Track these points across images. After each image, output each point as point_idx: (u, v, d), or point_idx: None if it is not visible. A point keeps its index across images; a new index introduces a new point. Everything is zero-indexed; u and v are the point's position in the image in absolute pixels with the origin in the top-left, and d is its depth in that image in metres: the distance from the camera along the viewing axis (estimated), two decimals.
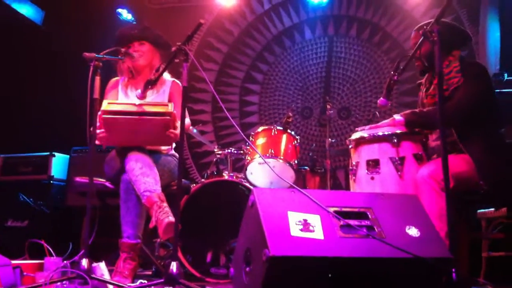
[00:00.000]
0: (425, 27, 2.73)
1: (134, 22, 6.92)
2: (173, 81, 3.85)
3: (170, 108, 3.33)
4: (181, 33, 3.07)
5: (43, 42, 6.28)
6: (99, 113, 3.26)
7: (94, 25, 6.42)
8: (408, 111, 3.34)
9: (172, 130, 3.33)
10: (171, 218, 3.04)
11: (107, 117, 3.24)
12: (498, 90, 4.48)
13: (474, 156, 3.14)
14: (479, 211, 3.97)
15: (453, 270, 2.32)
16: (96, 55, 3.09)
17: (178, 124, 3.25)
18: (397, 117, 3.31)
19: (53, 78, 6.22)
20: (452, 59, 3.33)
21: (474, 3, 6.09)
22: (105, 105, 3.31)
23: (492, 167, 3.13)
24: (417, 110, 3.41)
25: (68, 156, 5.66)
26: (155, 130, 3.36)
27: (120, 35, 3.77)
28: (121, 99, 3.74)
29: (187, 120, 3.85)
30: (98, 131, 3.28)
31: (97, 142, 3.29)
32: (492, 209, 3.83)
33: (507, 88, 4.58)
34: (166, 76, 3.85)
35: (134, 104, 3.31)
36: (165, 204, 3.16)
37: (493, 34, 5.84)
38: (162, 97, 3.77)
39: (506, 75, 4.89)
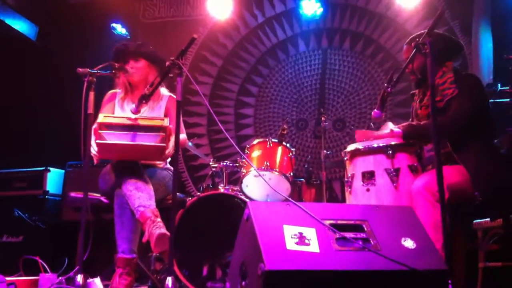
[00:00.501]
0: (417, 39, 2.75)
1: (128, 37, 6.93)
2: (170, 96, 3.86)
3: (166, 122, 3.34)
4: (175, 47, 3.09)
5: (37, 57, 6.29)
6: (94, 126, 3.27)
7: (88, 40, 6.44)
8: (405, 124, 3.36)
9: (167, 153, 3.35)
10: (162, 230, 3.03)
11: (100, 142, 3.23)
12: (492, 101, 4.50)
13: (468, 167, 3.14)
14: (475, 221, 3.96)
15: (449, 281, 2.32)
16: (90, 71, 3.10)
17: (173, 138, 3.26)
18: (395, 129, 3.32)
19: (47, 93, 6.23)
20: (446, 70, 3.34)
21: (466, 14, 6.12)
22: (101, 118, 3.31)
23: (487, 178, 3.13)
24: (414, 122, 3.42)
25: (63, 171, 5.65)
26: (150, 154, 3.38)
27: (116, 52, 3.78)
28: (117, 112, 3.76)
29: (183, 136, 3.86)
30: (92, 151, 3.29)
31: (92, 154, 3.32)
32: (488, 219, 3.83)
33: (500, 98, 4.59)
34: (164, 91, 3.86)
35: (130, 118, 3.31)
36: (159, 219, 3.16)
37: (486, 44, 5.88)
38: (158, 112, 3.78)
39: (499, 85, 4.90)
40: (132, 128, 3.28)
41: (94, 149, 3.34)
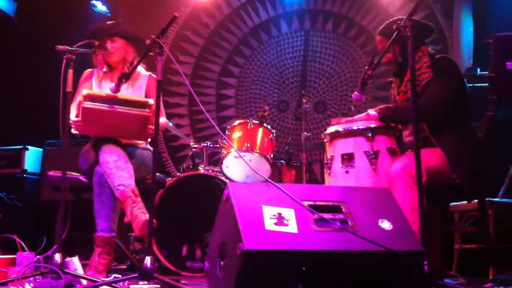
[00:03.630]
0: (398, 22, 2.75)
1: (109, 14, 6.85)
2: (150, 75, 3.82)
3: (151, 101, 3.34)
4: (156, 26, 3.06)
5: (16, 34, 6.19)
6: (80, 99, 3.26)
7: (68, 17, 6.34)
8: (382, 106, 3.37)
9: (151, 126, 3.32)
10: (147, 216, 3.04)
11: (86, 106, 3.22)
12: (471, 85, 4.54)
13: (446, 150, 3.18)
14: (451, 204, 4.02)
15: (425, 263, 2.36)
16: (69, 48, 3.05)
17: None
18: (371, 112, 3.34)
19: (26, 71, 6.14)
20: (422, 55, 3.36)
21: None
22: (86, 92, 3.29)
23: (464, 161, 3.17)
24: (391, 105, 3.44)
25: (41, 149, 5.60)
26: (134, 124, 3.36)
27: (91, 33, 3.72)
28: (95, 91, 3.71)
29: (163, 119, 3.84)
30: (75, 119, 3.27)
31: (73, 130, 3.29)
32: (465, 202, 3.89)
33: (479, 82, 4.63)
34: (142, 70, 3.82)
35: (114, 95, 3.30)
36: (139, 199, 3.16)
37: (467, 29, 5.91)
38: (139, 92, 3.75)
39: (479, 70, 4.94)
40: (117, 102, 3.28)
41: (75, 118, 3.32)
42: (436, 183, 3.15)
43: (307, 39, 6.79)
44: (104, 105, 3.27)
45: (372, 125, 3.27)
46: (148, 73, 3.84)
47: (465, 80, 3.44)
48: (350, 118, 3.44)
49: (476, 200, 3.66)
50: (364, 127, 3.28)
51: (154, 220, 2.94)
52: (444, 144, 3.20)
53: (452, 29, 6.10)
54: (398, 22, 2.74)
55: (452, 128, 3.23)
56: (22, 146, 5.46)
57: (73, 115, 3.40)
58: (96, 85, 3.75)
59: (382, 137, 3.28)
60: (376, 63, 3.15)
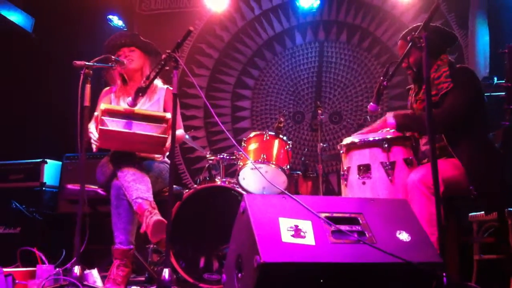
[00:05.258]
0: (413, 33, 2.74)
1: (125, 29, 6.92)
2: (167, 88, 3.85)
3: (168, 115, 3.36)
4: (172, 39, 3.09)
5: (34, 49, 6.27)
6: (96, 113, 3.28)
7: (85, 32, 6.42)
8: (400, 113, 3.35)
9: (167, 146, 3.35)
10: (159, 217, 3.05)
11: (104, 128, 3.24)
12: (488, 94, 4.50)
13: (463, 160, 3.15)
14: (470, 214, 3.99)
15: (444, 274, 2.34)
16: (86, 63, 3.10)
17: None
18: (390, 119, 3.32)
19: (44, 85, 6.22)
20: (441, 64, 3.34)
21: (463, 8, 6.13)
22: (103, 106, 3.33)
23: (481, 172, 3.14)
24: (409, 112, 3.42)
25: (60, 162, 5.65)
26: (151, 145, 3.38)
27: (109, 42, 3.77)
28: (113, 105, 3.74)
29: (181, 131, 3.86)
30: (93, 138, 3.30)
31: (93, 145, 3.31)
32: (483, 212, 3.85)
33: (496, 92, 4.60)
34: (159, 83, 3.85)
35: (132, 109, 3.32)
36: (156, 211, 3.17)
37: (482, 38, 5.89)
38: (157, 106, 3.77)
39: (495, 78, 4.91)
40: (134, 117, 3.30)
41: (94, 136, 3.34)
42: (454, 193, 3.13)
43: (321, 50, 6.80)
44: (120, 124, 3.28)
45: (388, 136, 3.26)
46: (165, 86, 3.86)
47: (483, 91, 3.42)
48: (368, 129, 3.42)
49: (495, 211, 3.62)
50: (380, 138, 3.27)
51: (164, 220, 2.95)
52: (461, 155, 3.17)
53: (467, 38, 6.08)
54: (413, 33, 2.73)
55: (469, 139, 3.21)
56: (41, 160, 5.51)
57: (93, 128, 3.42)
58: (115, 103, 3.78)
59: (398, 148, 3.27)
60: (391, 73, 3.14)
